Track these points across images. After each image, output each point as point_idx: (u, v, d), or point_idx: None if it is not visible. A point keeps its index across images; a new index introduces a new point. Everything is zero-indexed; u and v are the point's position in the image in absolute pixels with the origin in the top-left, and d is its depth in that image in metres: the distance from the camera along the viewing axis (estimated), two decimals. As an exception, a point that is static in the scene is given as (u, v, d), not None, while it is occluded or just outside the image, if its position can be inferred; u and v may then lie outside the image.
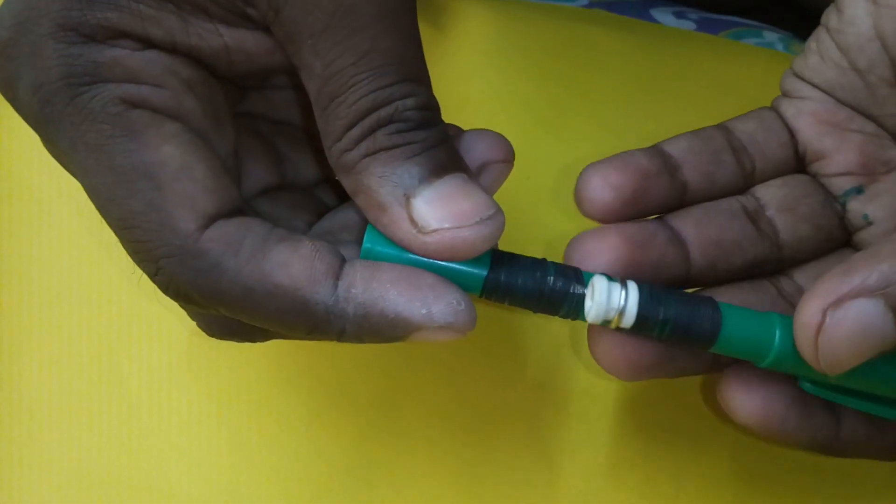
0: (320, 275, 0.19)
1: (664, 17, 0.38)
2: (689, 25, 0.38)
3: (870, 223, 0.25)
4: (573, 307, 0.21)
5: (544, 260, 0.21)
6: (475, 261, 0.20)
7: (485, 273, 0.20)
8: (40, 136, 0.20)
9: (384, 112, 0.19)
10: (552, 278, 0.20)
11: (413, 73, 0.19)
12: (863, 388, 0.22)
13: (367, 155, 0.19)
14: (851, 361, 0.19)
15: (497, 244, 0.21)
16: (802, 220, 0.25)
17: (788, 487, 0.29)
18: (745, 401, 0.22)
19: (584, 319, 0.21)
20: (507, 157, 0.23)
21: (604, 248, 0.23)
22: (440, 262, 0.20)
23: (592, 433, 0.29)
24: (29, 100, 0.19)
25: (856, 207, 0.25)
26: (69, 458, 0.28)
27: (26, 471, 0.27)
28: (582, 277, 0.21)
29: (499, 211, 0.20)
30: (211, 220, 0.19)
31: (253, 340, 0.23)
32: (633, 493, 0.29)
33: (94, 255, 0.29)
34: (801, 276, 0.25)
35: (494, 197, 0.21)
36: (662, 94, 0.35)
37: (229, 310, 0.19)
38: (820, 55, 0.25)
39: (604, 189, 0.23)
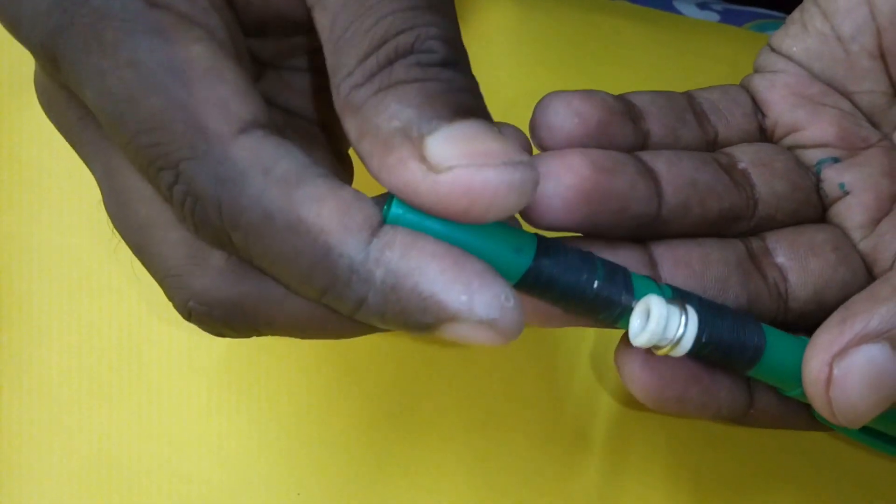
0: (355, 223, 0.16)
1: (687, 8, 0.37)
2: (712, 17, 0.37)
3: (846, 193, 0.23)
4: (615, 317, 0.18)
5: (592, 255, 0.19)
6: (519, 244, 0.17)
7: (529, 261, 0.17)
8: (47, 55, 0.18)
9: (403, 39, 0.16)
10: (599, 283, 0.18)
11: (438, 4, 0.17)
12: (887, 429, 0.21)
13: (380, 90, 0.16)
14: (869, 412, 0.18)
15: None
16: (779, 176, 0.23)
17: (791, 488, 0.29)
18: (641, 375, 0.20)
19: (622, 327, 0.19)
20: None
21: (564, 169, 0.19)
22: (478, 241, 0.17)
23: (608, 426, 0.29)
24: (34, 12, 0.17)
25: (831, 176, 0.23)
26: (90, 442, 0.28)
27: (48, 455, 0.28)
28: (631, 283, 0.18)
29: (532, 164, 0.16)
30: (245, 126, 0.17)
31: (235, 327, 0.19)
32: (649, 488, 0.28)
33: (115, 243, 0.30)
34: (772, 239, 0.22)
35: None
36: (685, 86, 0.34)
37: (244, 237, 0.17)
38: (803, 23, 0.24)
39: (567, 115, 0.21)
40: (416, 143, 0.16)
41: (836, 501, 0.29)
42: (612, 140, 0.21)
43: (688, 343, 0.18)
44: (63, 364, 0.28)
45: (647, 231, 0.21)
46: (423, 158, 0.16)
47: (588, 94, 0.21)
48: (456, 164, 0.15)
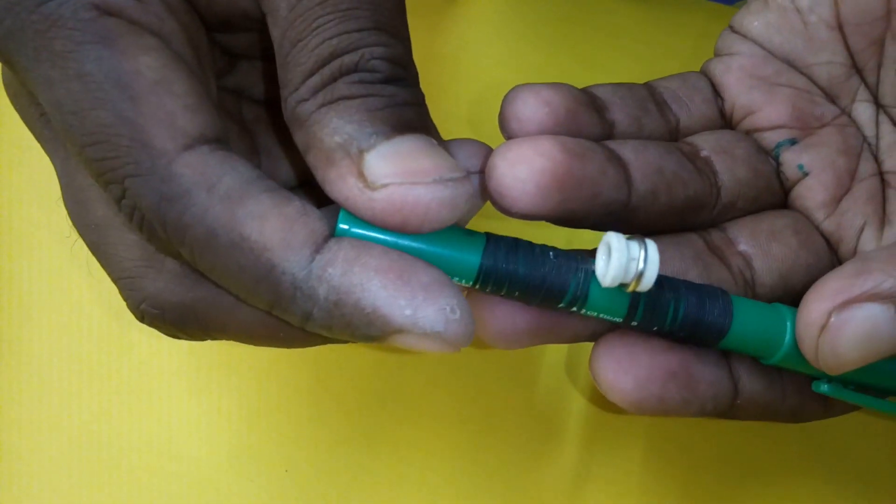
0: (297, 240, 0.16)
1: (679, -13, 0.37)
2: (704, -4, 0.37)
3: (805, 174, 0.23)
4: (580, 290, 0.18)
5: (543, 245, 0.19)
6: (468, 246, 0.18)
7: (478, 259, 0.18)
8: (2, 57, 0.18)
9: (348, 59, 0.17)
10: (553, 253, 0.18)
11: (387, 24, 0.17)
12: (878, 383, 0.21)
13: (323, 105, 0.17)
14: (852, 365, 0.18)
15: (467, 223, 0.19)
16: (740, 162, 0.23)
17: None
18: (616, 380, 0.20)
19: (591, 311, 0.19)
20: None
21: (537, 153, 0.19)
22: (426, 247, 0.17)
23: (581, 423, 0.29)
24: None
25: (790, 158, 0.23)
26: (79, 421, 0.28)
27: (36, 434, 0.28)
28: (585, 257, 0.19)
29: (467, 178, 0.17)
30: (191, 142, 0.17)
31: (187, 329, 0.19)
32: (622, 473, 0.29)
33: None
34: (733, 229, 0.22)
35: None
36: (677, 65, 0.34)
37: (190, 252, 0.17)
38: (765, 0, 0.25)
39: (536, 105, 0.20)
40: (355, 158, 0.16)
41: (828, 491, 0.29)
42: (581, 130, 0.21)
43: (652, 272, 0.18)
44: (50, 343, 0.29)
45: (615, 220, 0.21)
46: (360, 175, 0.16)
47: (555, 85, 0.21)
48: (390, 182, 0.16)
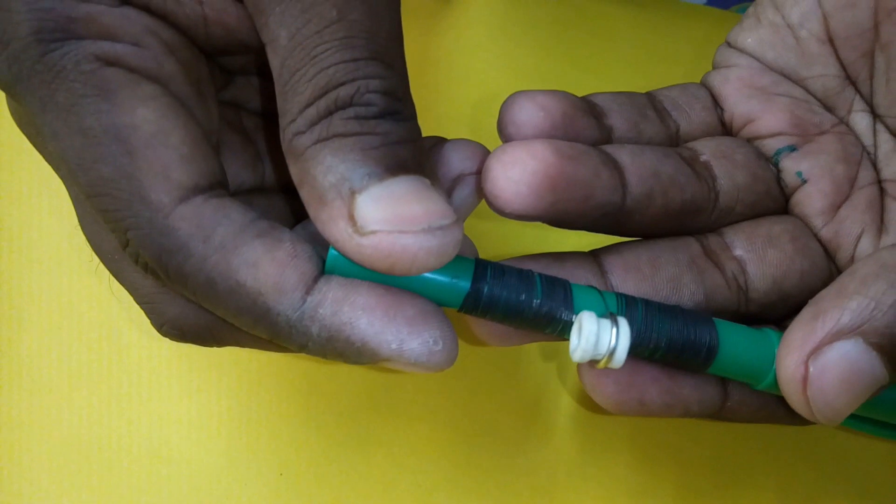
0: (289, 284, 0.17)
1: (675, -10, 0.37)
2: (699, 0, 0.37)
3: (804, 181, 0.24)
4: (558, 331, 0.19)
5: (531, 273, 0.19)
6: (456, 272, 0.18)
7: (466, 287, 0.18)
8: (10, 97, 0.19)
9: (344, 91, 0.17)
10: (538, 301, 0.19)
11: (383, 54, 0.18)
12: (862, 413, 0.21)
13: (319, 140, 0.17)
14: (847, 408, 0.18)
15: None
16: (739, 167, 0.23)
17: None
18: (599, 382, 0.21)
19: (567, 338, 0.19)
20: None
21: (529, 156, 0.19)
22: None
23: (570, 420, 0.29)
24: None
25: (789, 165, 0.24)
26: (70, 423, 0.28)
27: (27, 435, 0.28)
28: (571, 296, 0.19)
29: (455, 224, 0.17)
30: (187, 194, 0.17)
31: (206, 345, 0.21)
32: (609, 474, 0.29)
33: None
34: (730, 233, 0.23)
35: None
36: (672, 69, 0.34)
37: (193, 295, 0.18)
38: (756, 17, 0.25)
39: (532, 110, 0.21)
40: (346, 200, 0.17)
41: (822, 491, 0.29)
42: (577, 134, 0.22)
43: (621, 355, 0.18)
44: (46, 345, 0.28)
45: (610, 222, 0.21)
46: (350, 218, 0.17)
47: (553, 92, 0.22)
48: (379, 229, 0.16)
